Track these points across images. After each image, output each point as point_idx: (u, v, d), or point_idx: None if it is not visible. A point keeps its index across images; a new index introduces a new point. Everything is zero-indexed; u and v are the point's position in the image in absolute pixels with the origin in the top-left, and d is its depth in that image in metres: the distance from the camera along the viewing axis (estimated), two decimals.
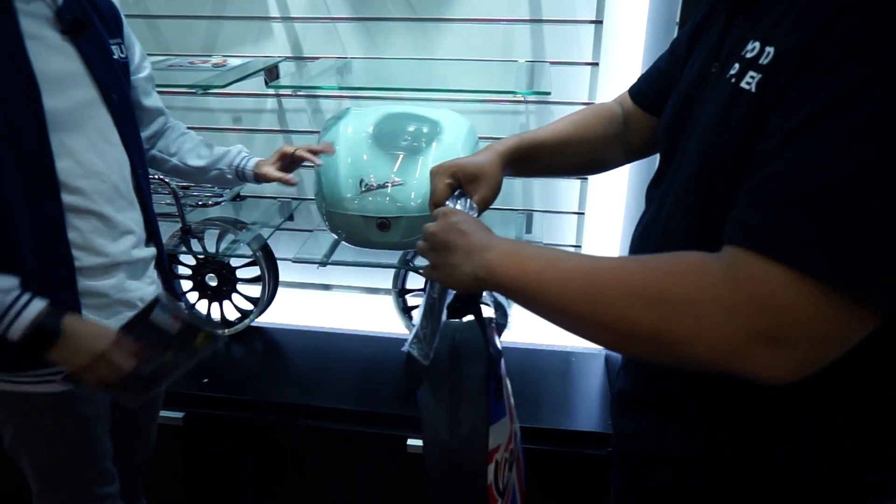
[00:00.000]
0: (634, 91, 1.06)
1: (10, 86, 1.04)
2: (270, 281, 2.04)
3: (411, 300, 2.07)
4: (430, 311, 0.90)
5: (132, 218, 1.26)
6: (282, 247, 2.14)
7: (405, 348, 0.89)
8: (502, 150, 1.00)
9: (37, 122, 1.07)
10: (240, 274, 2.06)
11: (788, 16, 0.62)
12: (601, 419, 1.72)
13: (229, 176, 1.48)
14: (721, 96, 0.70)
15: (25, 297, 1.06)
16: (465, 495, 0.94)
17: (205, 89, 1.64)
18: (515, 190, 2.03)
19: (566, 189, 2.01)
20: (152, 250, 1.33)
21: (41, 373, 1.17)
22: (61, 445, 1.26)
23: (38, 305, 1.06)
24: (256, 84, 1.89)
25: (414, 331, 0.90)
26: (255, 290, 2.06)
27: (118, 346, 1.12)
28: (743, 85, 0.65)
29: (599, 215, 1.95)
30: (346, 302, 2.29)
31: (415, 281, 2.05)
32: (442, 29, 1.86)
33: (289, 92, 2.00)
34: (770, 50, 0.63)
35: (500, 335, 0.97)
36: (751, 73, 0.65)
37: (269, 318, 2.15)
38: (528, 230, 2.01)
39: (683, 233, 0.77)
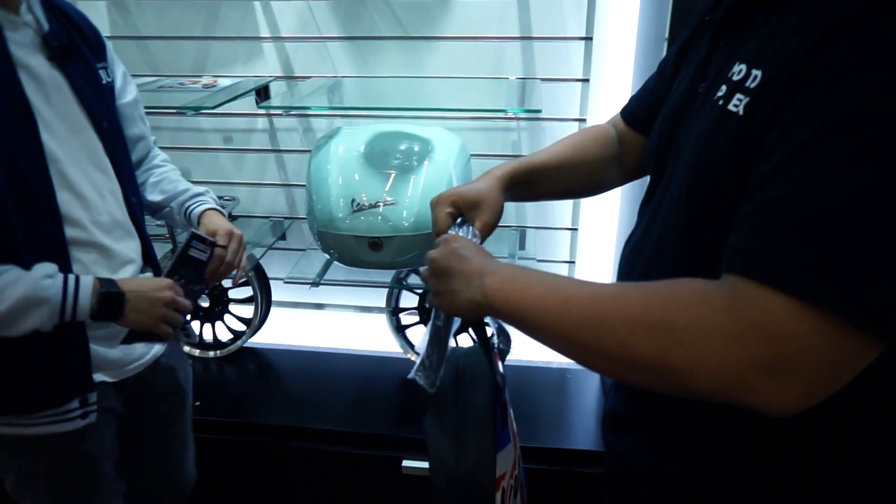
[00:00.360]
0: (626, 112, 1.07)
1: (8, 118, 1.01)
2: (263, 301, 2.03)
3: (405, 318, 2.05)
4: (436, 338, 0.90)
5: (131, 247, 1.24)
6: (274, 266, 2.13)
7: (411, 376, 0.88)
8: (500, 175, 1.00)
9: (36, 155, 1.04)
10: (232, 294, 2.05)
11: (774, 39, 0.62)
12: (597, 437, 1.70)
13: (177, 217, 1.37)
14: (708, 118, 0.70)
15: (71, 276, 1.06)
16: None
17: (195, 111, 1.63)
18: (508, 207, 2.00)
19: (559, 205, 2.01)
20: (149, 276, 1.30)
21: (50, 413, 1.13)
22: (68, 485, 1.22)
23: (87, 278, 1.07)
24: (248, 104, 1.88)
25: (419, 358, 0.89)
26: (247, 311, 2.05)
27: (175, 289, 1.17)
28: (730, 107, 0.65)
29: (593, 231, 1.95)
30: (339, 321, 2.28)
31: (408, 300, 2.04)
32: (432, 47, 1.87)
33: (280, 112, 2.00)
34: (757, 73, 0.63)
35: (503, 361, 0.97)
36: (738, 95, 0.64)
37: (261, 339, 2.13)
38: (522, 247, 2.00)
39: (674, 251, 0.76)
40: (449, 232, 0.93)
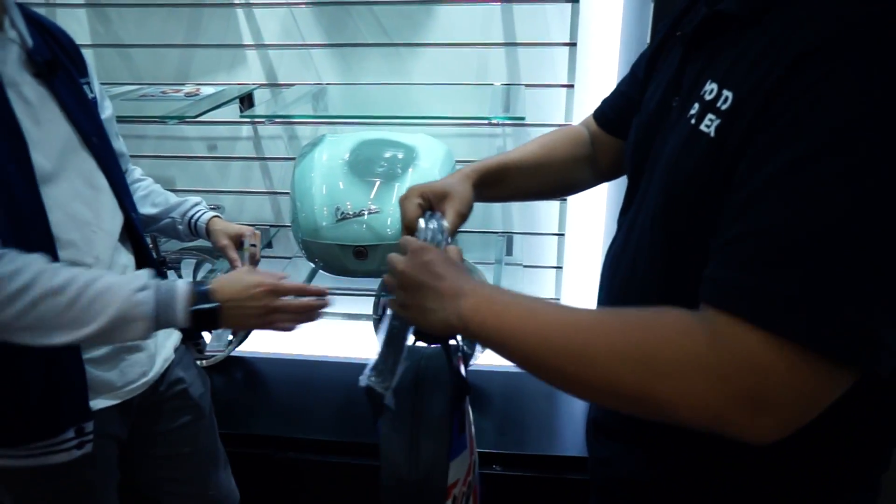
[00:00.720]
0: (598, 114, 1.07)
1: None
2: None
3: None
4: (392, 340, 0.85)
5: (127, 262, 1.21)
6: None
7: (362, 382, 0.83)
8: (469, 172, 1.00)
9: (27, 176, 1.00)
10: None
11: (744, 59, 0.62)
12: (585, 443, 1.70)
13: (180, 227, 1.37)
14: (681, 135, 0.69)
15: (163, 287, 1.01)
16: None
17: (177, 120, 1.62)
18: (495, 212, 2.03)
19: (546, 211, 2.01)
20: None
21: (44, 444, 1.08)
22: None
23: (182, 287, 1.02)
24: (231, 111, 1.87)
25: (372, 362, 0.85)
26: None
27: (278, 283, 1.08)
28: (702, 127, 0.65)
29: (579, 237, 1.95)
30: (326, 329, 2.26)
31: None
32: (417, 53, 1.86)
33: (263, 120, 1.99)
34: (728, 95, 0.62)
35: (466, 365, 0.94)
36: (710, 116, 0.64)
37: (248, 348, 2.12)
38: (509, 252, 2.00)
39: (651, 263, 0.76)
40: (419, 223, 0.90)
